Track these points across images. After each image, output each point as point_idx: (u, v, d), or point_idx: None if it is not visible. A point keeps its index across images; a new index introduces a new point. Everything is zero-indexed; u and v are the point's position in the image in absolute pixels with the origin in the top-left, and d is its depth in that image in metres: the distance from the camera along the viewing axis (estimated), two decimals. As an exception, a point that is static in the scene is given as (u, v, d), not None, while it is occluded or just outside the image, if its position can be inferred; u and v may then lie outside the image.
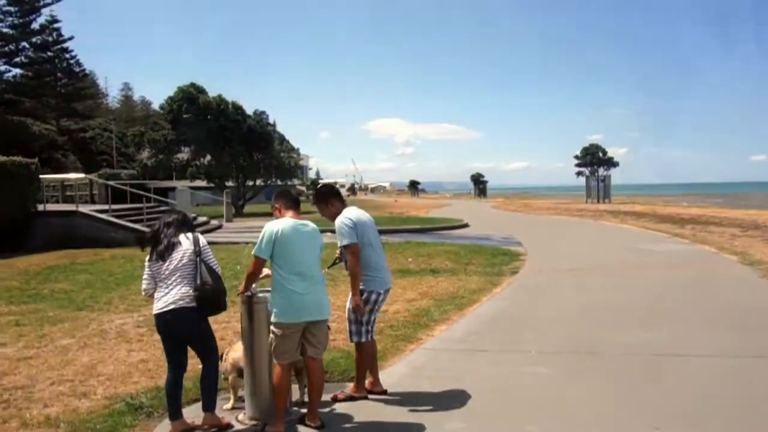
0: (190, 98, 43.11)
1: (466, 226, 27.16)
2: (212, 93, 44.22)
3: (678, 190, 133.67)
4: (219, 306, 4.99)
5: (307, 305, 4.91)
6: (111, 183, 25.21)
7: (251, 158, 44.83)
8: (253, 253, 4.98)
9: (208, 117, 42.97)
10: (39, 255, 16.90)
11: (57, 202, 26.89)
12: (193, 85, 44.21)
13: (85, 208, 20.40)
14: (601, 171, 73.74)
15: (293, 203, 5.28)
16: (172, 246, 4.99)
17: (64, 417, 5.41)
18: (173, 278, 4.91)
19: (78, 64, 69.61)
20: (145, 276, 5.06)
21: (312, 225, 5.17)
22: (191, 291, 4.85)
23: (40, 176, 20.14)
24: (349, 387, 5.82)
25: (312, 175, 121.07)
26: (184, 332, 4.98)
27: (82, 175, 23.95)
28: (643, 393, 5.66)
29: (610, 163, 77.14)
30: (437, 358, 6.93)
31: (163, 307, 4.88)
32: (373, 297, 5.69)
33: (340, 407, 5.49)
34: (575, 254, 16.63)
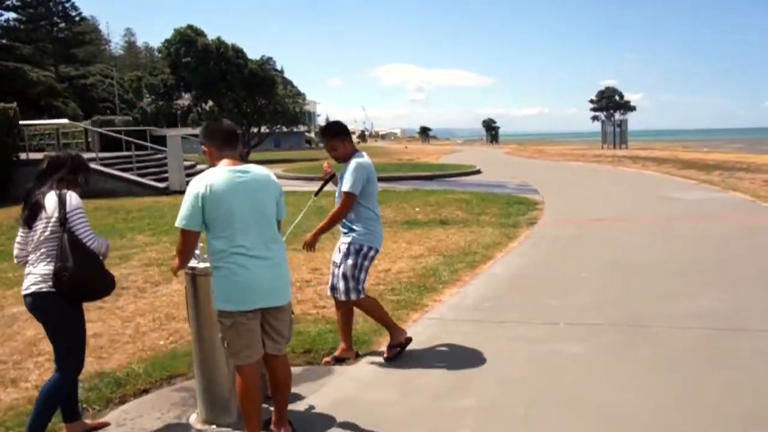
0: (188, 41, 41.51)
1: (478, 172, 25.78)
2: (213, 36, 42.64)
3: (694, 136, 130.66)
4: (89, 294, 3.80)
5: (257, 286, 3.53)
6: (99, 130, 23.92)
7: (255, 104, 43.29)
8: (176, 224, 3.57)
9: (209, 61, 41.42)
10: (18, 207, 15.69)
11: (54, 149, 25.66)
12: (190, 27, 42.55)
13: (71, 156, 19.08)
14: (618, 116, 71.69)
15: (226, 141, 3.69)
16: (36, 209, 3.68)
17: (-28, 416, 4.29)
18: (38, 253, 3.68)
19: (74, 7, 67.93)
20: (17, 239, 3.84)
21: (258, 170, 3.71)
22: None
23: (20, 123, 18.83)
24: (339, 348, 5.17)
25: (321, 121, 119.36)
26: (43, 323, 3.79)
27: (65, 121, 22.60)
28: (706, 384, 4.43)
29: (627, 107, 75.11)
30: (445, 331, 5.68)
31: (24, 290, 3.72)
32: (371, 254, 5.07)
33: (318, 405, 4.28)
34: (598, 203, 15.30)
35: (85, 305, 3.83)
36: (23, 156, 18.70)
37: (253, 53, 43.58)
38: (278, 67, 47.82)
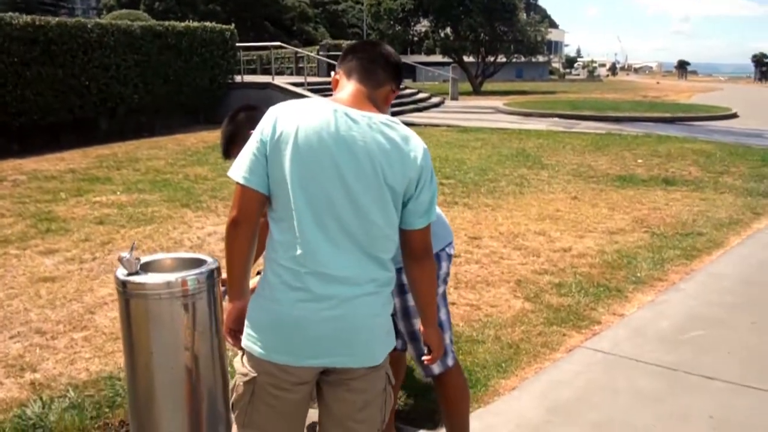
0: (430, -39, 39.93)
1: (733, 116, 21.22)
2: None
3: None
4: None
5: (309, 328, 1.88)
6: (311, 54, 23.62)
7: (494, 31, 40.89)
8: (228, 173, 1.96)
9: (450, -19, 39.72)
10: (209, 132, 15.23)
11: (291, 73, 25.99)
12: (433, -54, 40.91)
13: (280, 80, 18.82)
14: None
15: (365, 70, 2.01)
16: None
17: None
18: None
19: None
20: None
21: (396, 127, 1.93)
22: None
23: (237, 45, 18.62)
24: None
25: (571, 52, 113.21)
26: None
27: (277, 43, 22.28)
28: None
29: None
30: (607, 382, 3.59)
31: None
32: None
33: None
34: None
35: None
36: (238, 78, 18.60)
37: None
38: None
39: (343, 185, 1.86)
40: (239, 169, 1.90)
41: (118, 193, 8.77)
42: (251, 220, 1.91)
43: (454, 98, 29.20)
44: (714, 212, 7.54)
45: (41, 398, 3.39)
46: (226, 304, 2.10)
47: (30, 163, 11.21)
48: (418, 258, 2.02)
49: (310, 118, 1.87)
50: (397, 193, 1.90)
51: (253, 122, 2.04)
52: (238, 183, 1.90)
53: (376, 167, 1.86)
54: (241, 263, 1.97)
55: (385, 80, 2.03)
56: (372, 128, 1.88)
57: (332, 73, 2.11)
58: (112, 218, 7.41)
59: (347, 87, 1.99)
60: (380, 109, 1.99)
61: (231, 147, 2.66)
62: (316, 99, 1.97)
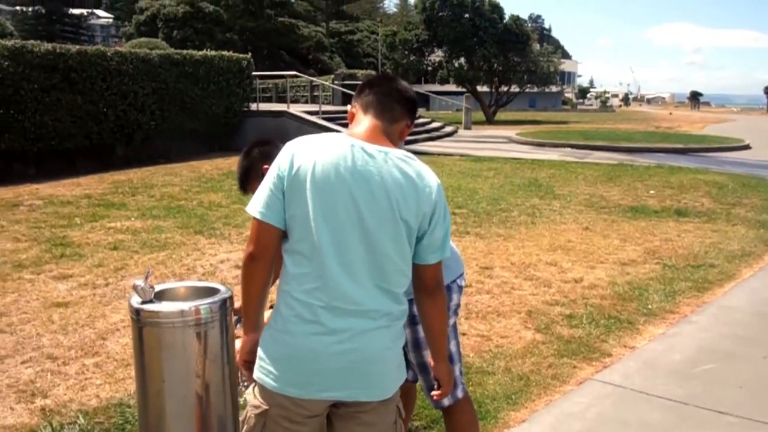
0: (444, -6, 40.36)
1: (746, 148, 21.16)
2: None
3: None
4: None
5: (328, 364, 1.91)
6: (322, 82, 24.14)
7: (507, 62, 41.20)
8: (247, 208, 2.02)
9: (462, 15, 40.08)
10: (224, 159, 15.37)
11: (306, 101, 26.29)
12: (448, -21, 41.37)
13: (295, 109, 18.97)
14: None
15: (380, 105, 2.05)
16: None
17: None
18: None
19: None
20: None
21: (411, 162, 1.98)
22: None
23: (253, 74, 18.83)
24: None
25: (584, 83, 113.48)
26: None
27: (293, 72, 22.57)
28: None
29: None
30: (616, 414, 3.59)
31: None
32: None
33: None
34: None
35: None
36: (253, 106, 18.78)
37: (522, 11, 41.28)
38: (546, 26, 45.84)
39: (360, 219, 1.89)
40: (256, 204, 1.94)
41: (133, 219, 8.83)
42: (268, 254, 1.95)
43: (467, 127, 29.31)
44: (726, 244, 7.51)
45: (51, 424, 3.43)
46: (240, 335, 2.13)
47: (46, 188, 11.34)
48: (430, 292, 2.05)
49: (328, 152, 1.91)
50: (411, 228, 1.93)
51: (268, 157, 2.08)
52: (255, 218, 1.95)
53: (391, 202, 1.89)
54: (258, 297, 2.02)
55: (401, 115, 2.08)
56: (388, 163, 1.92)
57: (348, 106, 2.17)
58: (126, 244, 7.46)
59: (364, 121, 2.03)
60: (396, 143, 2.03)
61: (246, 182, 2.71)
62: (332, 134, 2.02)
